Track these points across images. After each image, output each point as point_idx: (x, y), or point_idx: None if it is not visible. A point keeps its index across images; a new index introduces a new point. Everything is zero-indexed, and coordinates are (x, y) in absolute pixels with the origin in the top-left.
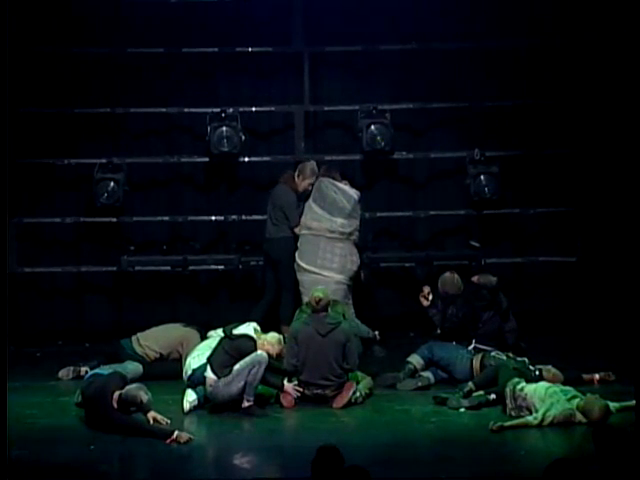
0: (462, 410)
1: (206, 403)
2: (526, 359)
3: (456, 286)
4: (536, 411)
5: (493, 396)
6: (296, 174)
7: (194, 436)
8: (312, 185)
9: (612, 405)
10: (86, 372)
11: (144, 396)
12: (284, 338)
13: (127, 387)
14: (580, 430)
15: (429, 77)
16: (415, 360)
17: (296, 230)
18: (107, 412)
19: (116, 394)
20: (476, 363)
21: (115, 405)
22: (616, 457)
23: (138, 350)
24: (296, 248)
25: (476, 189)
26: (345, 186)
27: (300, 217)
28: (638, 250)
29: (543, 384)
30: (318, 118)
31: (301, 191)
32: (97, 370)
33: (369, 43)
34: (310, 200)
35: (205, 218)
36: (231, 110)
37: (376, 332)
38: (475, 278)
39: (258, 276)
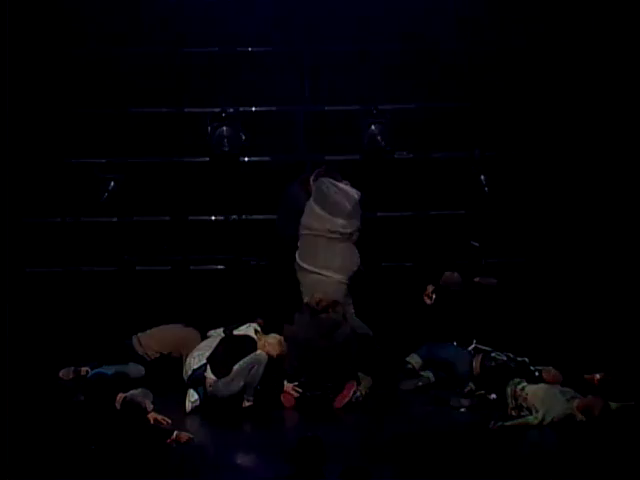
0: (462, 410)
1: (206, 403)
2: (527, 359)
3: (457, 284)
4: (536, 411)
5: (493, 396)
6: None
7: (194, 436)
8: None
9: (612, 405)
10: (87, 372)
11: (149, 405)
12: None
13: (132, 392)
14: (581, 430)
15: (430, 77)
16: (414, 360)
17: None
18: (109, 412)
19: (120, 396)
20: (476, 363)
21: (118, 407)
22: None
23: (138, 350)
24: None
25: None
26: (346, 186)
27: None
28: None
29: (543, 384)
30: (319, 118)
31: None
32: (100, 370)
33: (370, 43)
34: (311, 200)
35: (205, 218)
36: (231, 110)
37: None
38: (477, 279)
39: (259, 276)
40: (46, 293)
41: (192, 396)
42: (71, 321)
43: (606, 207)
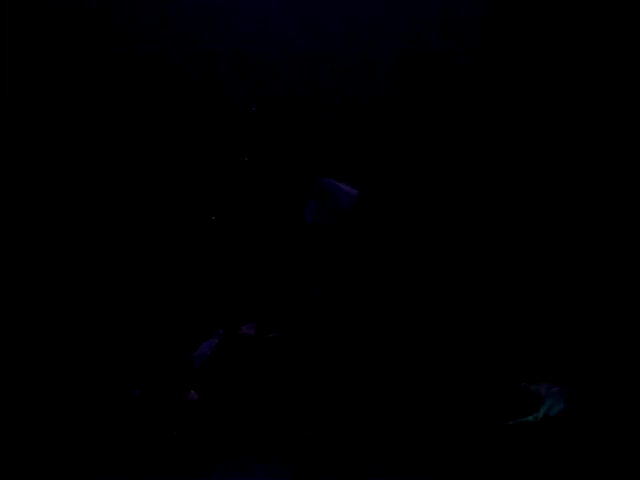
0: (462, 409)
1: (207, 402)
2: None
3: None
4: (537, 411)
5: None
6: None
7: (194, 435)
8: None
9: (610, 404)
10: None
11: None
12: None
13: (133, 392)
14: (580, 430)
15: (429, 77)
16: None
17: None
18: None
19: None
20: None
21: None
22: None
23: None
24: None
25: None
26: (346, 186)
27: None
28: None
29: (543, 384)
30: (319, 118)
31: None
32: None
33: (369, 42)
34: (311, 199)
35: (205, 218)
36: (231, 110)
37: None
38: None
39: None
40: (46, 291)
41: (194, 396)
42: (70, 320)
43: (605, 208)
